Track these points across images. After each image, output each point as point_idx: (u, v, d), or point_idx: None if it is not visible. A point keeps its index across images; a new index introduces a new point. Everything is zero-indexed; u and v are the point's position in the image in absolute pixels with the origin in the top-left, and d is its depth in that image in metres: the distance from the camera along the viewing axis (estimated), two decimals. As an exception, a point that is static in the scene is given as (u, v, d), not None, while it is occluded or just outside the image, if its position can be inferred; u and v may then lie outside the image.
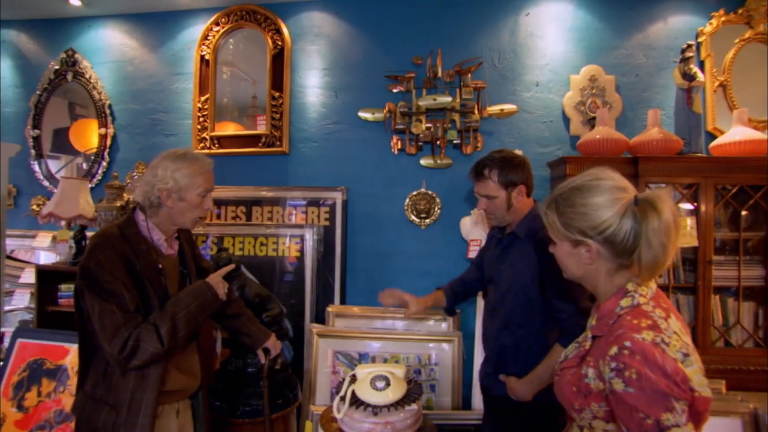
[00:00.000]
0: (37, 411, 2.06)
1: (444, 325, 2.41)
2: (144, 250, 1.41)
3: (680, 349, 0.85)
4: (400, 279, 2.64)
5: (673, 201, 0.82)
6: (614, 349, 0.86)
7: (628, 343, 0.84)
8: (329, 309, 2.53)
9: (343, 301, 2.65)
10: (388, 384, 1.64)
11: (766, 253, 2.20)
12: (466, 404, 2.31)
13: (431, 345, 2.31)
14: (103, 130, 3.03)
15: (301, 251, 2.61)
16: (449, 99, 2.54)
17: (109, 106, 3.02)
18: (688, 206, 2.24)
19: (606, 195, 0.93)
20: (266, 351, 1.84)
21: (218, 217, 2.79)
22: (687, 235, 2.17)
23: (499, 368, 1.63)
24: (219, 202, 2.79)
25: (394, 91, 2.64)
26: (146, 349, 1.28)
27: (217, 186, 2.84)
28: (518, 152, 1.70)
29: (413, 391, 1.71)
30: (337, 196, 2.68)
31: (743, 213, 2.24)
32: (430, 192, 2.62)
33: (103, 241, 1.34)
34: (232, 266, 1.60)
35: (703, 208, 2.17)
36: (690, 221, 2.17)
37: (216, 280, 1.51)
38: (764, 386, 2.13)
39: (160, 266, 1.43)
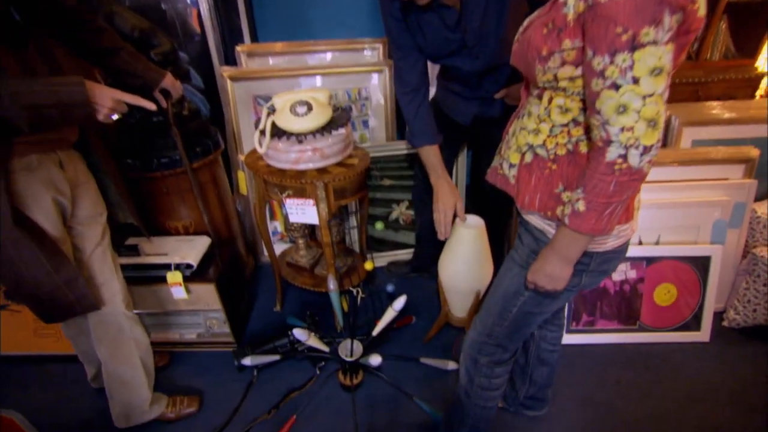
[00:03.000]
0: None
1: (369, 53, 2.15)
2: None
3: None
4: (320, 11, 2.20)
5: None
6: None
7: None
8: (238, 48, 2.13)
9: (254, 40, 2.25)
10: (310, 109, 1.48)
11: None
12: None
13: (359, 77, 2.09)
14: None
15: (187, -24, 2.03)
16: None
17: None
18: None
19: None
20: (165, 93, 1.57)
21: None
22: None
23: None
24: None
25: None
26: None
27: None
28: None
29: (340, 116, 1.58)
30: None
31: None
32: None
33: None
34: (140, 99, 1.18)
35: None
36: None
37: (99, 88, 1.09)
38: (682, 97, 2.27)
39: None
